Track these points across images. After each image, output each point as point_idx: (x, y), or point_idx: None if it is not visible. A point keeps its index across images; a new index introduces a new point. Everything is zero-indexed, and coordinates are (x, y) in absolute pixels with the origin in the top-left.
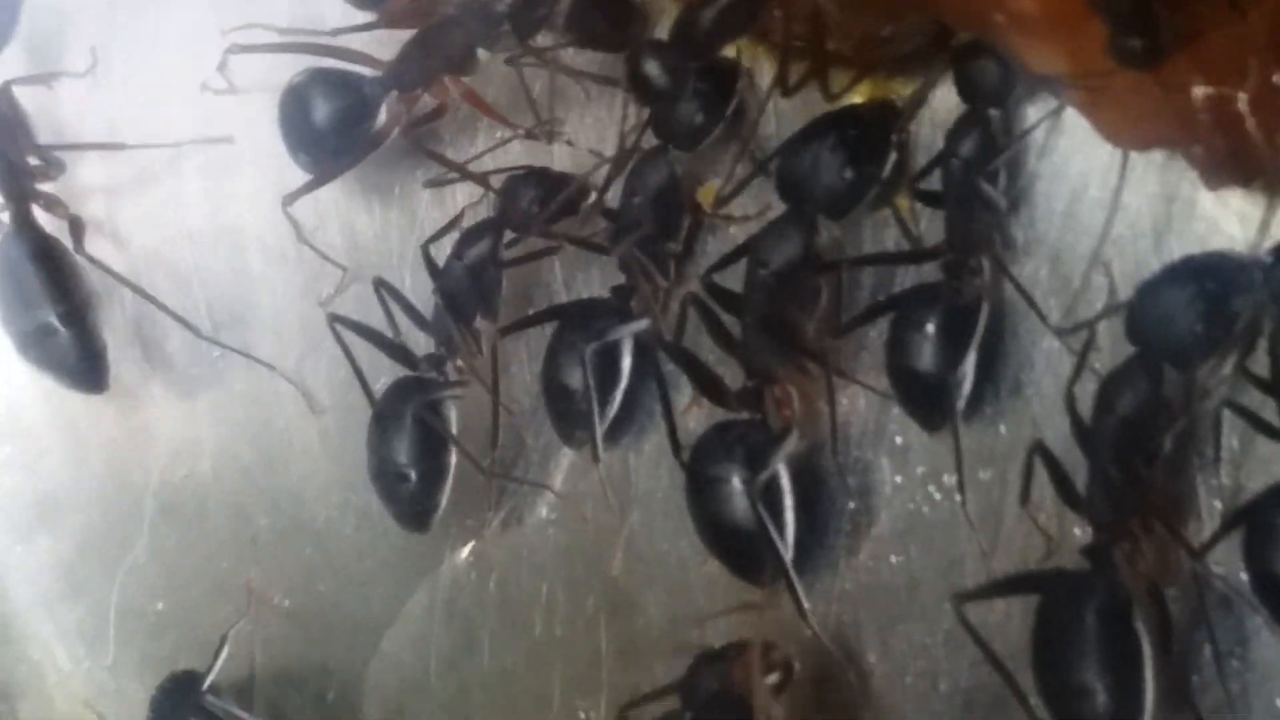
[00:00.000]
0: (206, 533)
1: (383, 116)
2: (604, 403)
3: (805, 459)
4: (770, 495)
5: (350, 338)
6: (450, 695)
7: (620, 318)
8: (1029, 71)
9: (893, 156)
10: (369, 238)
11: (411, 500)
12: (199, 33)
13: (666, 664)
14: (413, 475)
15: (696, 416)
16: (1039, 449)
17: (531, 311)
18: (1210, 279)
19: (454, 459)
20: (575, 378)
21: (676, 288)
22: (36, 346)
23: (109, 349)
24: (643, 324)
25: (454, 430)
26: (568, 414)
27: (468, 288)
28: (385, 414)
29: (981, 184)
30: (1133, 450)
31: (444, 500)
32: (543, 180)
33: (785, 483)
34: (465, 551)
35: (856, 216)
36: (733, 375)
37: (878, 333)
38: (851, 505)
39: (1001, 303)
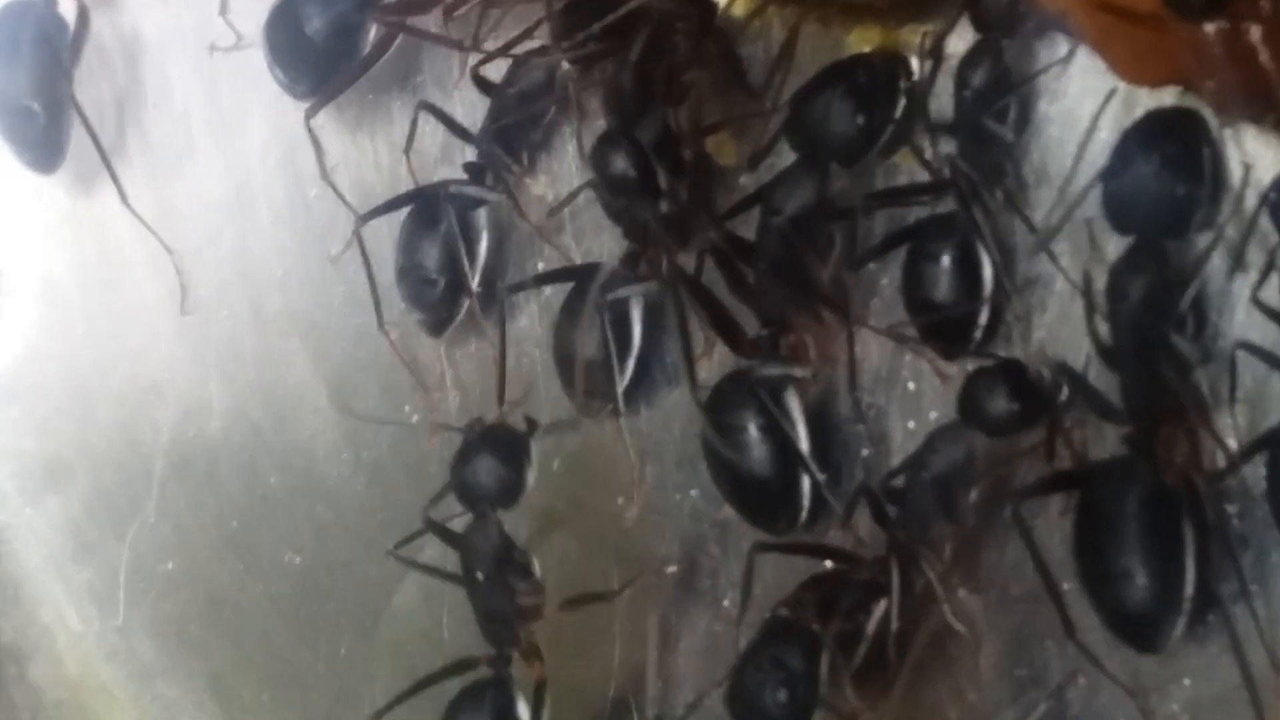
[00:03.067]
0: (217, 492)
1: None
2: (621, 363)
3: (819, 406)
4: (786, 442)
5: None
6: (462, 650)
7: (631, 279)
8: (1040, 7)
9: (903, 102)
10: (379, 191)
11: (437, 305)
12: None
13: (678, 613)
14: (441, 281)
15: (707, 370)
16: (1062, 369)
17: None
18: (1168, 141)
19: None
20: (588, 340)
21: (687, 237)
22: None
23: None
24: (654, 282)
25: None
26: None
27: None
28: (422, 216)
29: (990, 117)
30: (1155, 331)
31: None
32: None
33: (802, 429)
34: None
35: (868, 164)
36: (748, 325)
37: (889, 279)
38: (865, 452)
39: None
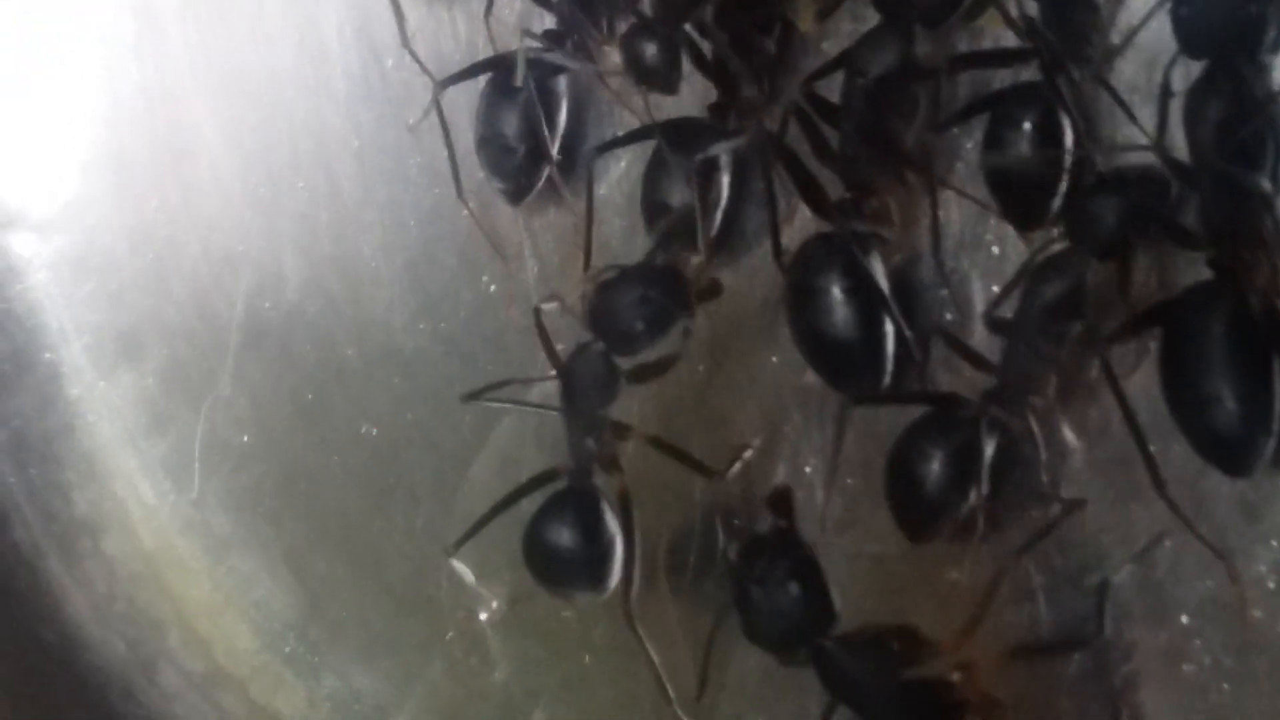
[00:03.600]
0: (292, 364)
1: None
2: (706, 219)
3: (902, 271)
4: (871, 306)
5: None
6: None
7: (720, 134)
8: None
9: None
10: (456, 60)
11: (516, 173)
12: None
13: (760, 477)
14: (521, 149)
15: (788, 236)
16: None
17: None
18: None
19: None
20: (675, 196)
21: (773, 98)
22: None
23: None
24: (742, 139)
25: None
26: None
27: None
28: (501, 84)
29: None
30: (1233, 152)
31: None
32: None
33: (886, 293)
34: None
35: (952, 25)
36: (831, 190)
37: (974, 143)
38: (949, 317)
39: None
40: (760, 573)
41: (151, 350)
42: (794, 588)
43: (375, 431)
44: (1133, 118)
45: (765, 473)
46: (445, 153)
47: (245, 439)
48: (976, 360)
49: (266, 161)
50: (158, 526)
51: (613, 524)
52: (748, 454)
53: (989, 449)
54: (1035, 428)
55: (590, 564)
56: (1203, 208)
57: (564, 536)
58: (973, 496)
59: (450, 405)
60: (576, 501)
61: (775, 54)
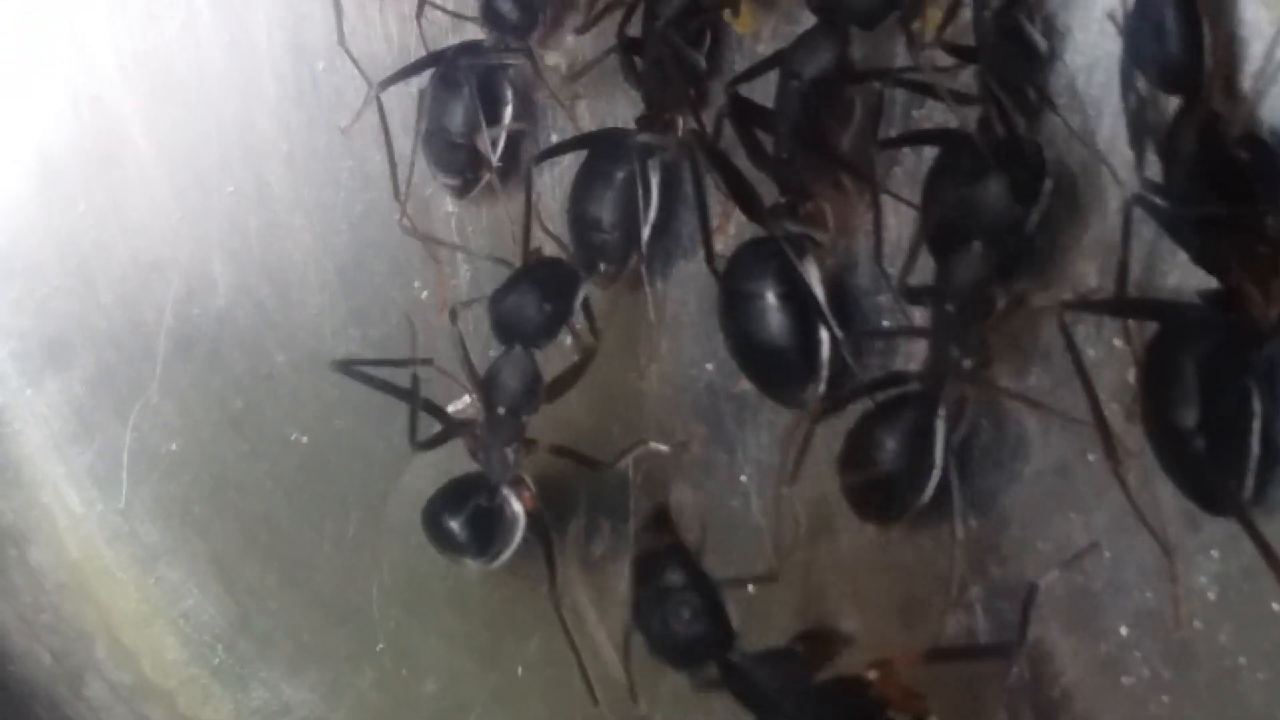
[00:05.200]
0: (221, 370)
1: None
2: (638, 229)
3: (837, 277)
4: (804, 312)
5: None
6: None
7: (649, 145)
8: None
9: None
10: (388, 63)
11: (462, 168)
12: None
13: (694, 488)
14: (466, 144)
15: (723, 244)
16: (1138, 199)
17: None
18: None
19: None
20: (604, 207)
21: (703, 104)
22: None
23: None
24: (671, 144)
25: None
26: (594, 244)
27: None
28: (445, 80)
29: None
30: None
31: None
32: None
33: (821, 297)
34: None
35: (889, 27)
36: (766, 195)
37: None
38: (885, 323)
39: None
40: (651, 592)
41: (79, 357)
42: (686, 606)
43: (305, 439)
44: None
45: (700, 481)
46: (376, 156)
47: (173, 447)
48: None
49: (195, 165)
50: (84, 536)
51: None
52: (641, 449)
53: (940, 421)
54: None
55: (481, 544)
56: (1195, 238)
57: (459, 525)
58: (933, 472)
59: (380, 413)
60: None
61: (705, 63)
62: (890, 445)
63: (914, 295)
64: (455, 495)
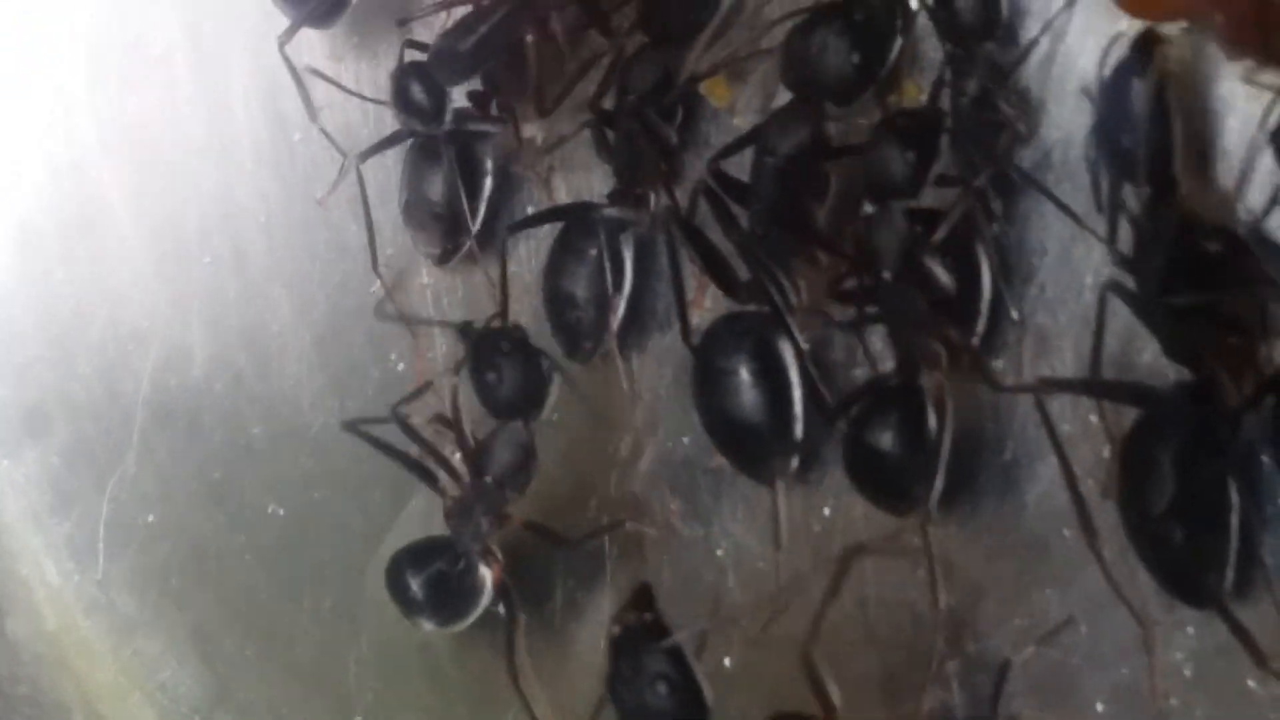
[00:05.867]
0: (199, 442)
1: None
2: (612, 304)
3: (814, 351)
4: (780, 387)
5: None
6: None
7: (625, 218)
8: None
9: (899, 42)
10: (364, 135)
11: (442, 236)
12: None
13: (672, 563)
14: (446, 214)
15: (698, 317)
16: (1112, 286)
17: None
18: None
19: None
20: (578, 283)
21: (677, 178)
22: None
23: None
24: (644, 218)
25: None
26: (569, 320)
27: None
28: (425, 149)
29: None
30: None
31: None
32: None
33: (794, 375)
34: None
35: (864, 104)
36: (742, 268)
37: None
38: None
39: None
40: (627, 670)
41: (57, 426)
42: (662, 686)
43: (283, 511)
44: (1065, 208)
45: (677, 556)
46: (353, 226)
47: (151, 518)
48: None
49: (174, 234)
50: (62, 607)
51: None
52: (619, 528)
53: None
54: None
55: (436, 607)
56: (1166, 327)
57: (419, 584)
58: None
59: (358, 485)
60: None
61: (677, 136)
62: (886, 436)
63: (858, 297)
64: (422, 554)
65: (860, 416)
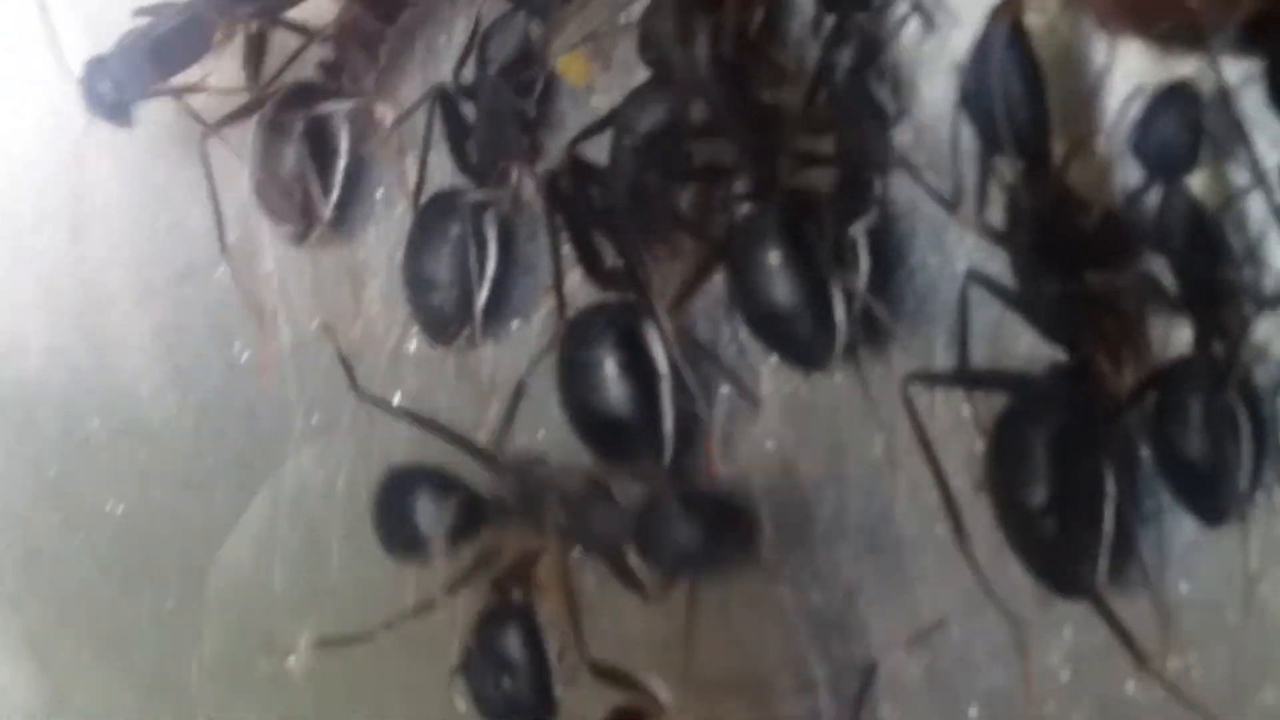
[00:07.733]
0: (34, 436)
1: None
2: (478, 287)
3: (679, 340)
4: (647, 378)
5: None
6: (296, 602)
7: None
8: None
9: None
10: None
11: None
12: None
13: None
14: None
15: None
16: (973, 277)
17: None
18: None
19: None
20: (440, 268)
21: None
22: None
23: None
24: (505, 197)
25: None
26: (434, 307)
27: None
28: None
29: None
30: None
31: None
32: None
33: (663, 364)
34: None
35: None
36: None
37: None
38: (727, 389)
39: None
40: (486, 646)
41: None
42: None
43: (121, 509)
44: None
45: None
46: (195, 210)
47: None
48: None
49: (9, 221)
50: None
51: None
52: None
53: None
54: None
55: None
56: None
57: None
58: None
59: (200, 481)
60: None
61: (536, 115)
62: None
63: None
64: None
65: None
